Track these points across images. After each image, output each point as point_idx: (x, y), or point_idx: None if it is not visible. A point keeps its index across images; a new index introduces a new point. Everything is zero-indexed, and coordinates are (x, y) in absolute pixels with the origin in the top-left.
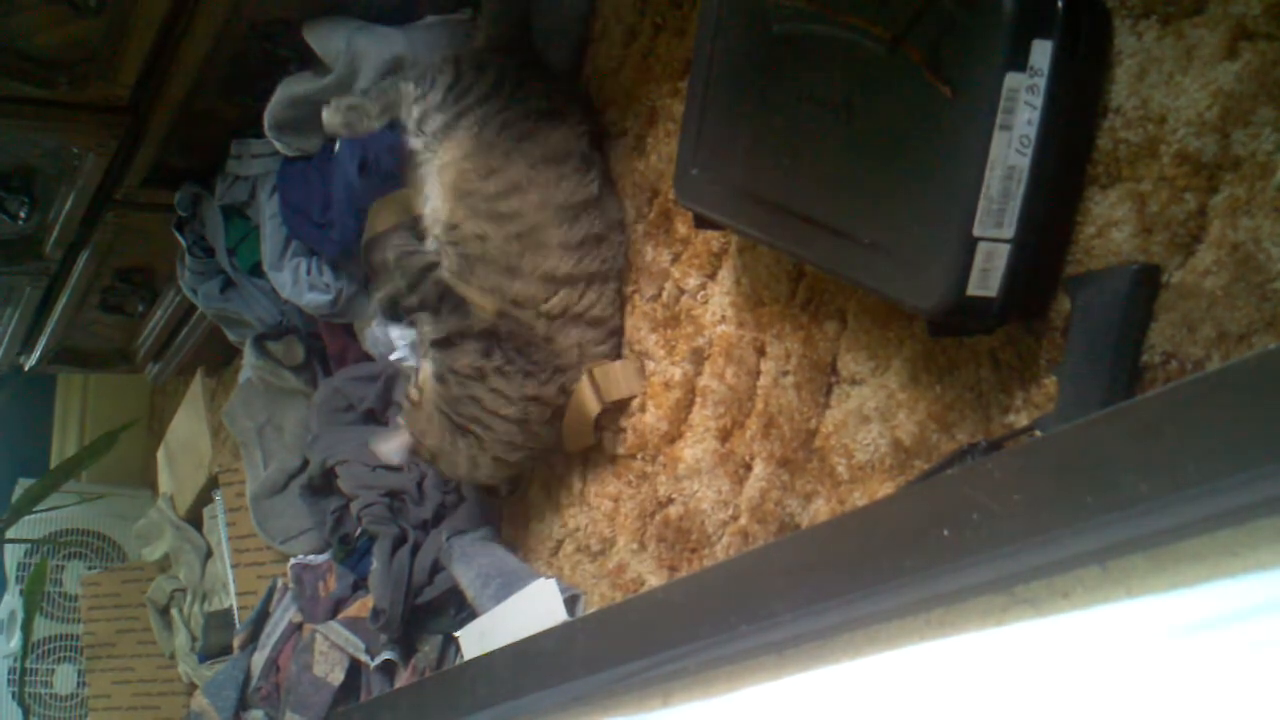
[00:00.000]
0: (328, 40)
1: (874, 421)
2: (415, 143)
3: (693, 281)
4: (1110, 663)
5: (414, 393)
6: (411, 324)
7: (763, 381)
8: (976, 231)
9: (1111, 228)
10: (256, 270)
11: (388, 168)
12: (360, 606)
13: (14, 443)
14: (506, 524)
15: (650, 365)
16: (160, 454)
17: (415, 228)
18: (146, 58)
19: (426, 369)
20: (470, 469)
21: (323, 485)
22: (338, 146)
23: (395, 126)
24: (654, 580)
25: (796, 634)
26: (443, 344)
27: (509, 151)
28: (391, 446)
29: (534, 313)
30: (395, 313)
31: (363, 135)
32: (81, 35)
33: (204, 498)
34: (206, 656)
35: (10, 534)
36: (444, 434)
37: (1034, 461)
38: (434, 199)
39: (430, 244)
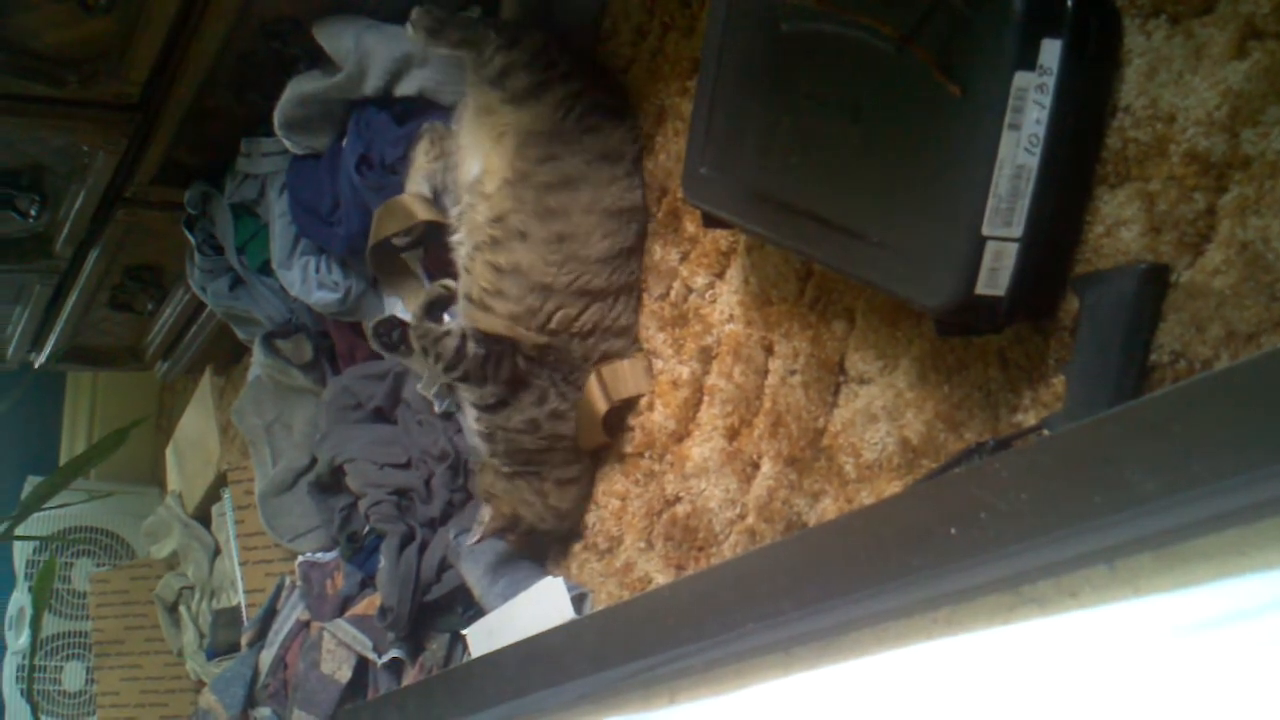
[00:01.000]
0: (337, 39)
1: (882, 420)
2: (484, 95)
3: (701, 280)
4: (1117, 662)
5: (476, 462)
6: (407, 353)
7: (771, 380)
8: (985, 230)
9: (1120, 227)
10: (265, 268)
11: (389, 161)
12: (368, 604)
13: (23, 440)
14: None
15: (658, 364)
16: (169, 452)
17: (417, 233)
18: (156, 56)
19: (473, 432)
20: (542, 503)
21: (331, 483)
22: (344, 142)
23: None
24: (661, 578)
25: (803, 632)
26: (493, 408)
27: (571, 141)
28: (480, 530)
29: (568, 335)
30: (390, 342)
31: (431, 52)
32: (91, 34)
33: (212, 495)
34: (214, 653)
35: (19, 531)
36: (505, 484)
37: (1042, 460)
38: (478, 163)
39: (453, 235)
